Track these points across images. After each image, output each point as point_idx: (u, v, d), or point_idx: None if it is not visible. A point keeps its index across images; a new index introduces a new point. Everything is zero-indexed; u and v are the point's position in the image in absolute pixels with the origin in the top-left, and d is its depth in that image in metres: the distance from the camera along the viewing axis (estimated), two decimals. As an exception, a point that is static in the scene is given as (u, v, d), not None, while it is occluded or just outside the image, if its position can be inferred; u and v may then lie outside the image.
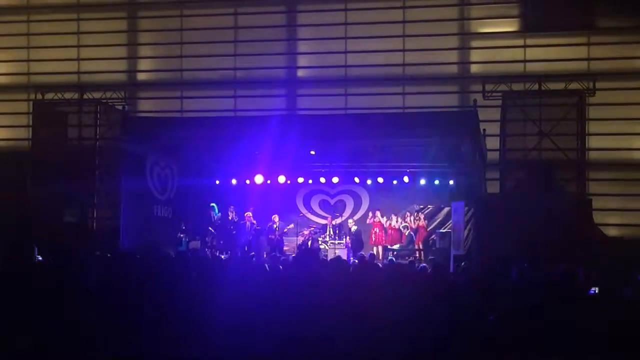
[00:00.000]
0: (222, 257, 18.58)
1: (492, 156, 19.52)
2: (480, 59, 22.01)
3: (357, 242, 20.14)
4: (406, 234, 20.05)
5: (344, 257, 17.82)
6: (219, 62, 23.40)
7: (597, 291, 8.38)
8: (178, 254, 12.87)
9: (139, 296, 7.15)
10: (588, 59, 20.95)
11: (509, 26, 21.85)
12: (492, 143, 19.33)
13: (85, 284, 7.66)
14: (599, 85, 19.16)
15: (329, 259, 16.86)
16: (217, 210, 20.88)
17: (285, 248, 20.08)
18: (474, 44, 22.20)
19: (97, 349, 6.35)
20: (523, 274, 10.28)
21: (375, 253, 19.10)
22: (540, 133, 18.79)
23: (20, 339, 6.47)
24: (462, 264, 13.91)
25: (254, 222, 20.43)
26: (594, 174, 20.28)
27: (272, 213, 20.60)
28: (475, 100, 17.54)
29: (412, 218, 20.36)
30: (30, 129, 21.81)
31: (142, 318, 6.81)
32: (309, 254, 13.26)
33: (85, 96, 20.98)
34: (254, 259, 15.89)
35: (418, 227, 20.15)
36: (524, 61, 21.35)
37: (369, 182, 21.03)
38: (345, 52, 22.59)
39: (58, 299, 7.04)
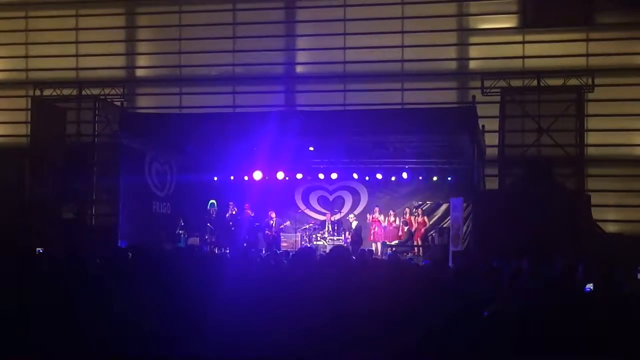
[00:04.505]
0: (220, 252, 18.59)
1: (491, 152, 19.54)
2: (479, 55, 22.00)
3: (357, 238, 20.14)
4: (405, 230, 20.04)
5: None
6: (217, 58, 23.39)
7: (592, 288, 8.34)
8: (176, 250, 12.84)
9: (136, 293, 7.13)
10: (587, 55, 20.95)
11: (508, 22, 21.85)
12: (491, 139, 19.36)
13: (84, 283, 7.62)
14: (597, 81, 19.17)
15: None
16: (216, 207, 20.90)
17: (283, 244, 20.09)
18: (473, 40, 22.19)
19: (94, 347, 6.33)
20: (521, 270, 10.28)
21: (373, 249, 19.09)
22: (539, 129, 18.79)
23: (19, 336, 6.44)
24: (460, 260, 13.90)
25: (252, 215, 20.45)
26: (593, 170, 20.28)
27: (270, 209, 20.62)
28: (474, 97, 17.53)
29: (410, 214, 20.36)
30: (29, 125, 21.78)
31: (140, 316, 6.79)
32: (307, 252, 13.22)
33: (83, 92, 20.94)
34: (251, 254, 15.86)
35: (417, 223, 20.15)
36: (523, 57, 21.33)
37: (367, 178, 21.05)
38: (344, 48, 22.57)
39: (56, 296, 7.01)
